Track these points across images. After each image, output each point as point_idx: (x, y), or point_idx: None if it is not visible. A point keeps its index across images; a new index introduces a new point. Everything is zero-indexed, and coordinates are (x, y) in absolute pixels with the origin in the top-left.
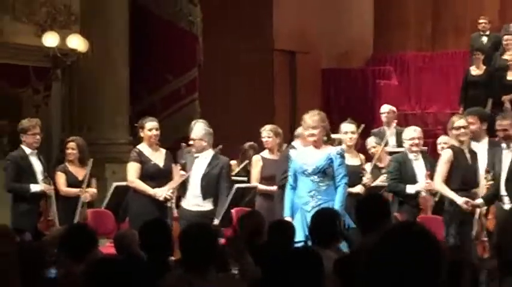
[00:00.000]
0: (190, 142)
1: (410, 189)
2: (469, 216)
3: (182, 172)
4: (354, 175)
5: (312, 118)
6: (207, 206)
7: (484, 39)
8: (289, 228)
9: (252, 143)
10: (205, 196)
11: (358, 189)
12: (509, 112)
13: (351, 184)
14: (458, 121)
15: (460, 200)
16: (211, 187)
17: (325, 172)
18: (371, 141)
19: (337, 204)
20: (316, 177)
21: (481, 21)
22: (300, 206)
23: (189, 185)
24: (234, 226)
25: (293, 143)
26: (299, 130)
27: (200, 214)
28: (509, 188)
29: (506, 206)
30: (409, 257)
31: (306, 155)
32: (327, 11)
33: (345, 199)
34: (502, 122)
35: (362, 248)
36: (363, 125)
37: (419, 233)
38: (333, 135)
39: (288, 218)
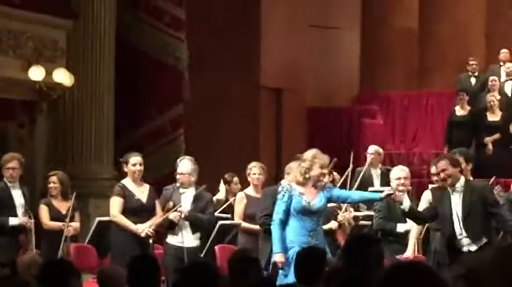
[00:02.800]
0: (178, 177)
1: (400, 228)
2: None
3: (177, 213)
4: (329, 212)
5: (326, 157)
6: (195, 242)
7: (473, 80)
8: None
9: (231, 173)
10: (193, 232)
11: (332, 225)
12: (491, 153)
13: (326, 221)
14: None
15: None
16: (197, 223)
17: (323, 213)
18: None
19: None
20: (315, 217)
21: (471, 62)
22: (300, 245)
23: (180, 221)
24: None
25: (285, 181)
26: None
27: (188, 250)
28: (469, 227)
29: (466, 248)
30: None
31: (308, 194)
32: (314, 49)
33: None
34: (438, 164)
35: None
36: (335, 159)
37: (426, 271)
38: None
39: (280, 255)
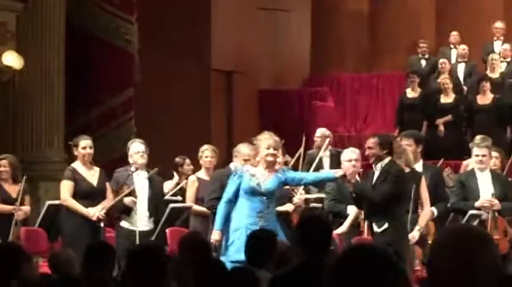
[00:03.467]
0: (134, 158)
1: (350, 210)
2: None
3: (132, 198)
4: (284, 196)
5: (274, 138)
6: (149, 226)
7: (423, 62)
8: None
9: (182, 156)
10: (150, 216)
11: (287, 207)
12: (443, 135)
13: (281, 204)
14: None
15: None
16: (153, 206)
17: (274, 195)
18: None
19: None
20: (265, 198)
21: (421, 44)
22: (246, 226)
23: (136, 206)
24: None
25: (235, 163)
26: (243, 149)
27: (141, 233)
28: (370, 209)
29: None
30: (372, 276)
31: (258, 175)
32: (265, 32)
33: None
34: (368, 140)
35: (298, 269)
36: (282, 141)
37: (381, 254)
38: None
39: (217, 233)
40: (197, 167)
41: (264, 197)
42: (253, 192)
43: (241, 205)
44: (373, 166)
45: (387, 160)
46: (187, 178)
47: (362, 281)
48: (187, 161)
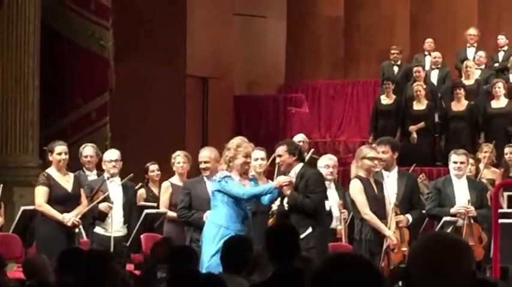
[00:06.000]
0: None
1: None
2: (378, 248)
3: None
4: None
5: (251, 145)
6: (122, 231)
7: (396, 68)
8: (193, 254)
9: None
10: (125, 222)
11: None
12: (416, 141)
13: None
14: (371, 152)
15: (388, 232)
16: (128, 213)
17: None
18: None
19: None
20: (248, 205)
21: (392, 51)
22: (234, 232)
23: (110, 212)
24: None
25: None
26: (202, 152)
27: (115, 239)
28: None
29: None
30: (355, 284)
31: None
32: (240, 38)
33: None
34: (278, 148)
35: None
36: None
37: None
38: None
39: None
40: (172, 172)
41: (247, 204)
42: (238, 200)
43: (228, 212)
44: (288, 174)
45: (299, 166)
46: (155, 183)
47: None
48: (153, 167)
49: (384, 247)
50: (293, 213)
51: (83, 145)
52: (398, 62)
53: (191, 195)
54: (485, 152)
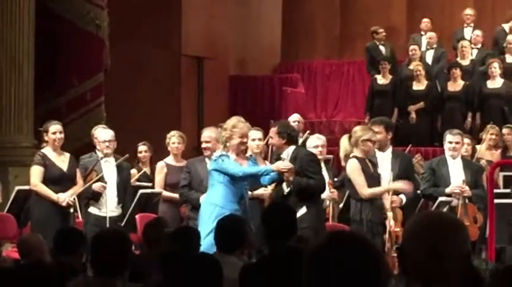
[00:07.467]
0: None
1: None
2: (379, 228)
3: (101, 183)
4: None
5: (248, 125)
6: (117, 211)
7: (382, 48)
8: (195, 235)
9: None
10: (119, 202)
11: (262, 191)
12: (414, 121)
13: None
14: (368, 133)
15: (392, 185)
16: (122, 193)
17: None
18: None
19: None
20: (245, 184)
21: (379, 30)
22: (230, 211)
23: (104, 192)
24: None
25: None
26: (204, 132)
27: (110, 219)
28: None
29: None
30: (355, 261)
31: (240, 162)
32: (236, 18)
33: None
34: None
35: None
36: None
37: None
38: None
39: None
40: (167, 152)
41: (245, 183)
42: (236, 178)
43: (224, 191)
44: (281, 155)
45: (292, 148)
46: (144, 164)
47: (343, 269)
48: (141, 147)
49: (388, 228)
50: (291, 196)
51: (95, 127)
52: (382, 42)
53: (191, 174)
54: (492, 134)
